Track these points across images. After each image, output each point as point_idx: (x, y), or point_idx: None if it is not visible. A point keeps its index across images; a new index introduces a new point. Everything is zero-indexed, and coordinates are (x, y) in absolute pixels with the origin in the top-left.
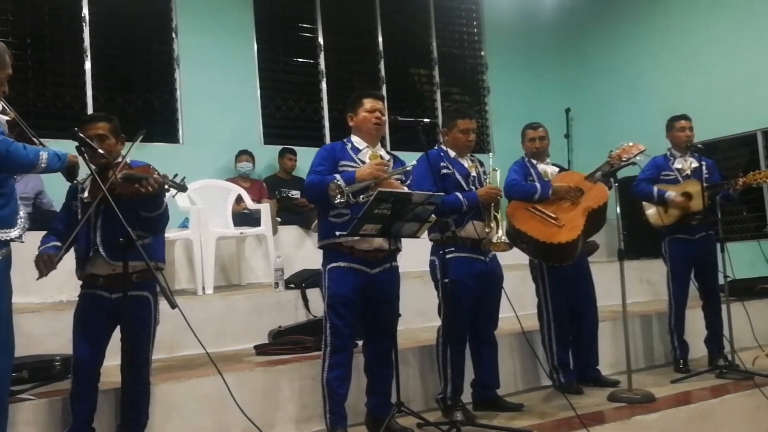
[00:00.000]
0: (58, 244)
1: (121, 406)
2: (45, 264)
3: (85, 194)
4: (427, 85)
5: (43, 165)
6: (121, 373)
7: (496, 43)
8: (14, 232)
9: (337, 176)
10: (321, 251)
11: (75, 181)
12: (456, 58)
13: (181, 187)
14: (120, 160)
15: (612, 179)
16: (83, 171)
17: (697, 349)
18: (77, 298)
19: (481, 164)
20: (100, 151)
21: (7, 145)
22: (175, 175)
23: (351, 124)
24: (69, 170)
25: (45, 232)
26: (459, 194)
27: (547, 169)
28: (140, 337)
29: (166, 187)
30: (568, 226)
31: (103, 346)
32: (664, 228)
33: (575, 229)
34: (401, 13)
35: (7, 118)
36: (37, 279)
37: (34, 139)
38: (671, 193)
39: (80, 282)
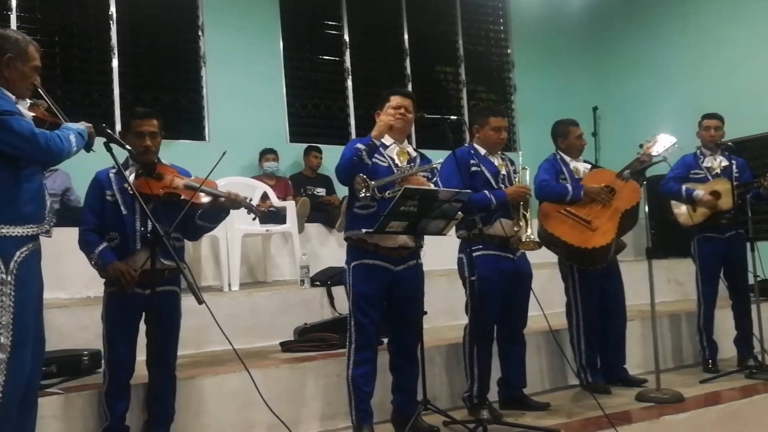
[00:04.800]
0: (107, 243)
1: (147, 401)
2: (128, 282)
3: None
4: (453, 83)
5: (74, 149)
6: (148, 369)
7: (523, 40)
8: (41, 228)
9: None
10: (345, 250)
11: (109, 174)
12: (482, 56)
13: (259, 213)
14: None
15: (641, 177)
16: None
17: (727, 349)
18: (105, 295)
19: (512, 163)
20: (128, 147)
21: (45, 139)
22: (250, 199)
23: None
24: (87, 141)
25: (72, 228)
26: (487, 192)
27: (579, 166)
28: (170, 331)
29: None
30: (602, 229)
31: (136, 342)
32: (694, 227)
33: (609, 232)
34: (427, 10)
35: (33, 114)
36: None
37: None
38: (699, 192)
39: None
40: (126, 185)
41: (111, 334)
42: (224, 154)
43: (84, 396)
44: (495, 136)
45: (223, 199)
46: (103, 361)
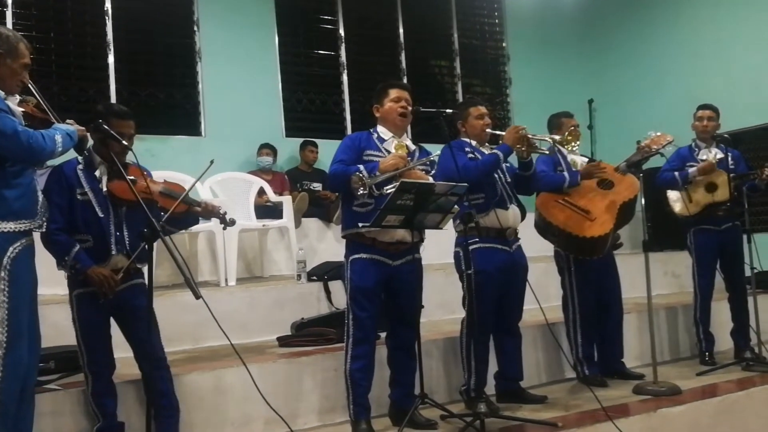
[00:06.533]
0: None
1: (150, 397)
2: (111, 288)
3: (103, 186)
4: (448, 76)
5: (60, 149)
6: (140, 365)
7: (518, 33)
8: (33, 223)
9: (360, 167)
10: (343, 243)
11: (77, 170)
12: (477, 50)
13: (230, 223)
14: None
15: (638, 170)
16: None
17: (723, 342)
18: (72, 297)
19: None
20: (124, 142)
21: (27, 137)
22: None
23: (377, 114)
24: (79, 144)
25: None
26: (489, 150)
27: (576, 159)
28: (149, 322)
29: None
30: (600, 219)
31: (111, 338)
32: (690, 218)
33: (607, 222)
34: (422, 4)
35: (22, 109)
36: (102, 301)
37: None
38: (693, 170)
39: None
40: (101, 186)
41: (87, 338)
42: (212, 163)
43: (82, 392)
44: (480, 123)
45: (199, 209)
46: (82, 364)
